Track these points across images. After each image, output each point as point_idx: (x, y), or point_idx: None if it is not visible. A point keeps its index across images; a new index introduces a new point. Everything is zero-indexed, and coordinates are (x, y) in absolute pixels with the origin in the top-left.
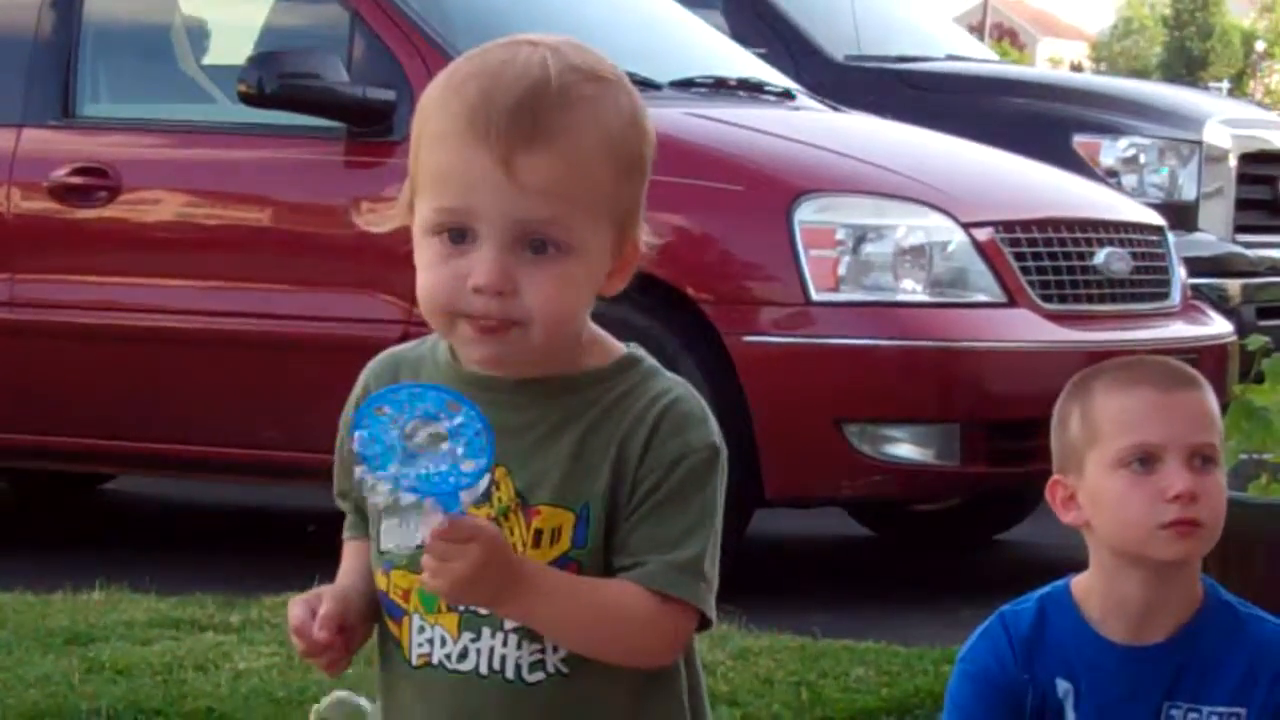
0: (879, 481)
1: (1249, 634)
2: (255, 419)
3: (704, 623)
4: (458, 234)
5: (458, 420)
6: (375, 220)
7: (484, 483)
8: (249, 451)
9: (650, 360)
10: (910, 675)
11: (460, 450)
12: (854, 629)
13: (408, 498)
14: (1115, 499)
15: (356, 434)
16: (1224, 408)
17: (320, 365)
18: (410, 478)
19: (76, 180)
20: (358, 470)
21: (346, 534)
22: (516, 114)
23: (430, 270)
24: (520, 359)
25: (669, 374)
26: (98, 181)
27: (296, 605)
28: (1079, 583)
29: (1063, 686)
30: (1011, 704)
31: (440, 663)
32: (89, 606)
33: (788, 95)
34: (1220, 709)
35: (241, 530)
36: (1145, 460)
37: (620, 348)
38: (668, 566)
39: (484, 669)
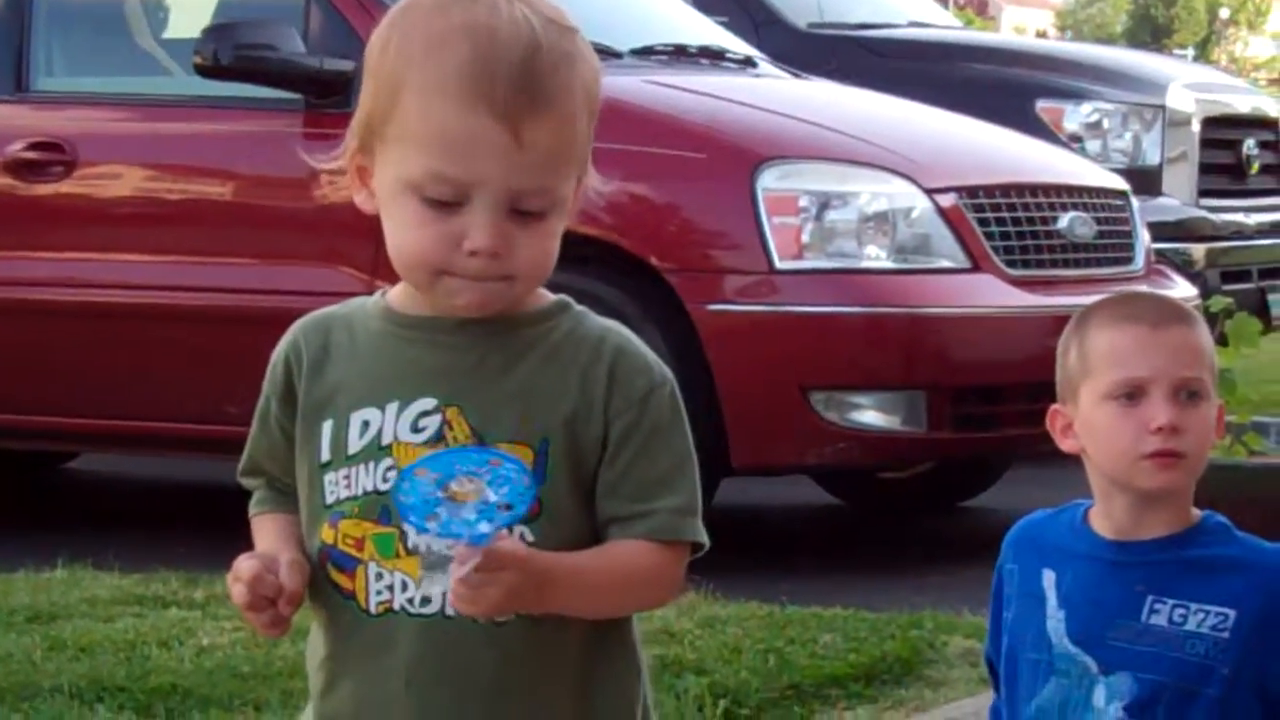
0: (845, 449)
1: (1243, 546)
2: (217, 394)
3: (694, 548)
4: (451, 200)
5: (501, 471)
6: (326, 160)
7: (516, 523)
8: (211, 427)
9: (576, 303)
10: (878, 641)
11: (498, 495)
12: (821, 596)
13: (440, 544)
14: (1104, 430)
15: (397, 495)
16: None
17: (280, 339)
18: (446, 527)
19: (32, 155)
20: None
21: (257, 509)
22: (523, 80)
23: (416, 230)
24: (501, 304)
25: (596, 315)
26: (53, 156)
27: (249, 560)
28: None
29: (1048, 576)
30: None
31: (403, 608)
32: (51, 584)
33: (749, 63)
34: (1209, 607)
35: (205, 506)
36: (1132, 394)
37: (547, 293)
38: (671, 514)
39: (450, 610)
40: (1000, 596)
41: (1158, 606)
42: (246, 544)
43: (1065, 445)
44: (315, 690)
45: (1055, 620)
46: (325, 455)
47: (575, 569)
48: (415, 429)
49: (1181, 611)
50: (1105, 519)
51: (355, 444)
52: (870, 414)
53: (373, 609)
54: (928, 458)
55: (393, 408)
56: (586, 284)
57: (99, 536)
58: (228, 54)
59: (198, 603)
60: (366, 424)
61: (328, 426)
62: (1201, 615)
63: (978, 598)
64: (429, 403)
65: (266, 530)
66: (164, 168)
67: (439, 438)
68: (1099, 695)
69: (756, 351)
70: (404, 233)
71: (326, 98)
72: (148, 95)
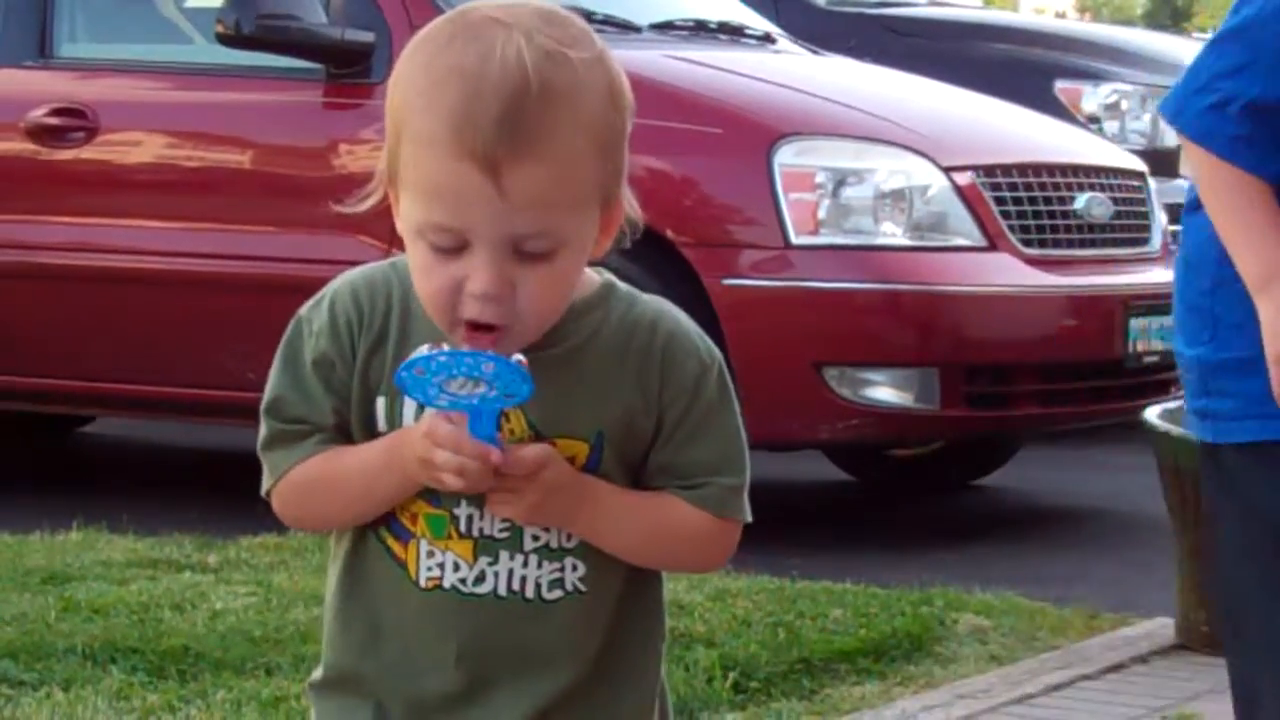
0: (858, 425)
1: None
2: (235, 361)
3: None
4: (452, 246)
5: (493, 370)
6: (353, 203)
7: (517, 409)
8: (228, 393)
9: (621, 283)
10: (888, 617)
11: (498, 388)
12: (832, 571)
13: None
14: None
15: (398, 383)
16: None
17: (299, 307)
18: (454, 403)
19: (54, 121)
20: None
21: (316, 448)
22: (501, 126)
23: (426, 274)
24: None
25: (646, 294)
26: (75, 122)
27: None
28: None
29: None
30: None
31: (454, 587)
32: (66, 546)
33: (768, 39)
34: None
35: (220, 472)
36: None
37: (594, 275)
38: (725, 490)
39: (503, 590)
40: None
41: None
42: (260, 510)
43: None
44: (354, 643)
45: None
46: (382, 425)
47: (621, 497)
48: None
49: None
50: None
51: (410, 422)
52: (883, 390)
53: (422, 583)
54: (940, 435)
55: None
56: (601, 256)
57: (114, 500)
58: (249, 23)
59: (211, 567)
60: (423, 408)
61: (381, 402)
62: None
63: (988, 575)
64: None
65: (341, 450)
66: (185, 135)
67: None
68: None
69: (771, 326)
70: (417, 276)
71: (347, 68)
72: (170, 63)
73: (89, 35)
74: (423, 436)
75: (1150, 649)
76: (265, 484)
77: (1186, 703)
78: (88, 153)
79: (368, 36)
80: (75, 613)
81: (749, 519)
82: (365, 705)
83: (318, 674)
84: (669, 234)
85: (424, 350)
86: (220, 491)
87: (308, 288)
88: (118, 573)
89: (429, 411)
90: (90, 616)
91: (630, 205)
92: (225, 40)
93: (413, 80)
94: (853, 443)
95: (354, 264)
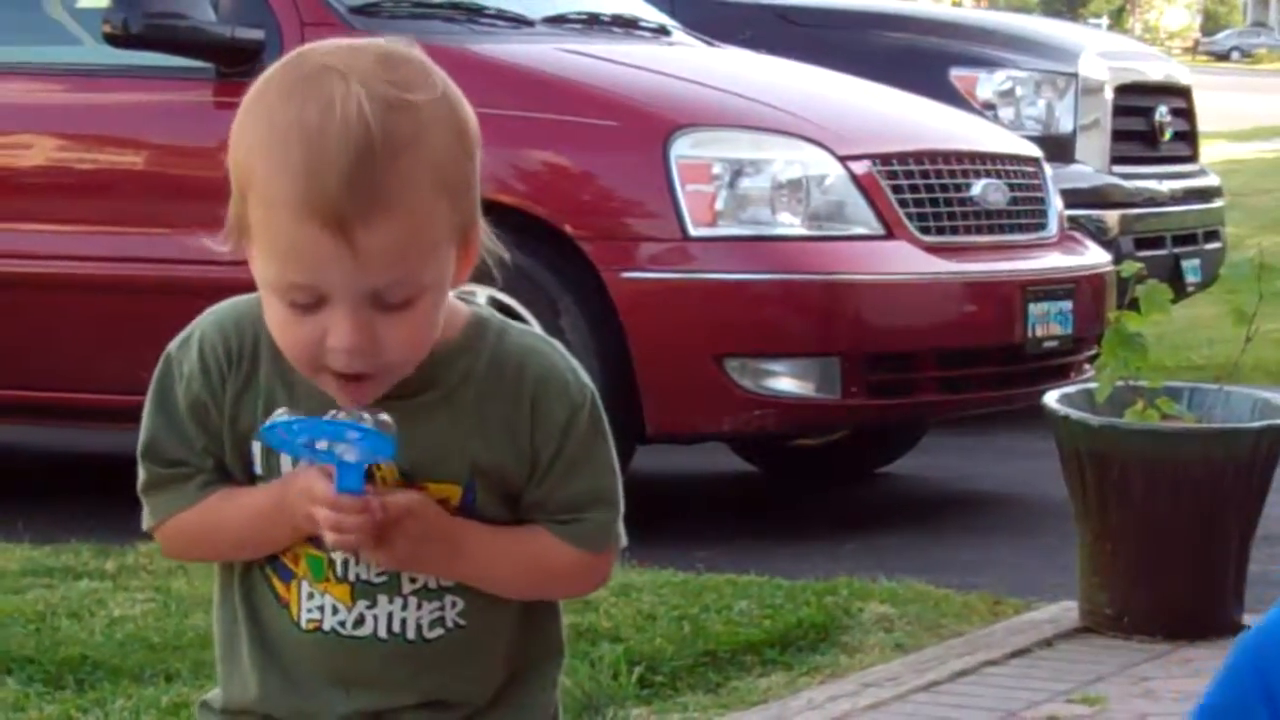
0: (760, 416)
1: None
2: (131, 364)
3: None
4: (309, 303)
5: (357, 437)
6: (222, 241)
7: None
8: (125, 397)
9: (494, 315)
10: (793, 608)
11: (363, 448)
12: (737, 563)
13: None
14: None
15: (265, 439)
16: (1100, 337)
17: (196, 309)
18: (316, 455)
19: None
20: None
21: (199, 493)
22: (349, 187)
23: (285, 330)
24: (383, 391)
25: (517, 326)
26: None
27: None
28: None
29: None
30: None
31: (334, 629)
32: None
33: (663, 31)
34: None
35: (116, 477)
36: None
37: (462, 309)
38: (597, 526)
39: (383, 633)
40: None
41: None
42: None
43: None
44: (244, 683)
45: None
46: (259, 469)
47: (491, 540)
48: None
49: None
50: None
51: (287, 467)
52: (785, 381)
53: (303, 624)
54: (842, 424)
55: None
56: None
57: (8, 508)
58: (137, 22)
59: (108, 574)
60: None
61: (256, 446)
62: None
63: (892, 564)
64: None
65: (228, 495)
66: (75, 137)
67: (368, 477)
68: None
69: (671, 319)
70: (276, 331)
71: (237, 66)
72: (59, 64)
73: None
74: (298, 494)
75: (1054, 633)
76: (146, 523)
77: (1090, 685)
78: None
79: (257, 34)
80: None
81: (624, 544)
82: None
83: (215, 698)
84: (567, 228)
85: (284, 415)
86: (117, 497)
87: (203, 290)
88: (13, 582)
89: (303, 461)
90: None
91: (487, 236)
92: (113, 40)
93: (254, 136)
94: (755, 434)
95: (246, 265)
